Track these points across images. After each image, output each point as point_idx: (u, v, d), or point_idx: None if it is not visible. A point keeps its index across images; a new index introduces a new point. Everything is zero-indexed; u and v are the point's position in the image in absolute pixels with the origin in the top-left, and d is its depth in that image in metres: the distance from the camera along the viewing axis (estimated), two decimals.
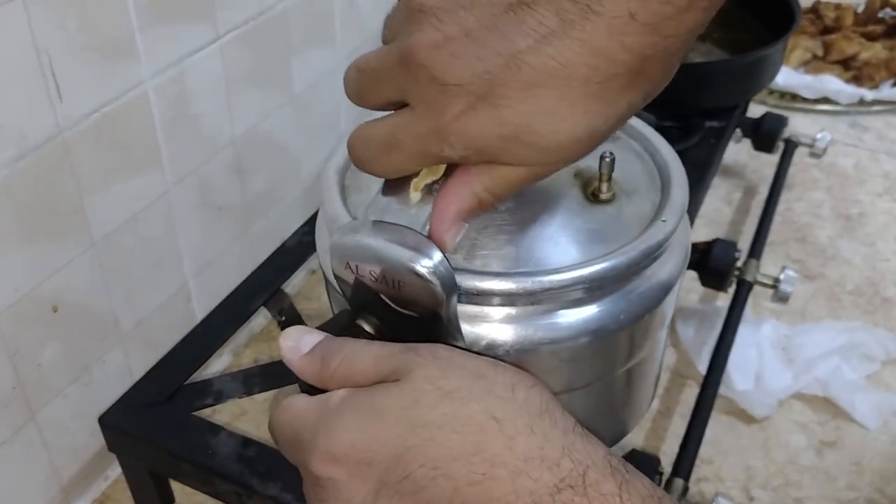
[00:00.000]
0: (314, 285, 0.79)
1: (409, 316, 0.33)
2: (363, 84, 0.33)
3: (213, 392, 0.54)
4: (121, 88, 0.53)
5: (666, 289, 0.37)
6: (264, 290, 0.63)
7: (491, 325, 0.34)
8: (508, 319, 0.34)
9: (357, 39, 0.78)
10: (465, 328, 0.34)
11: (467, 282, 0.33)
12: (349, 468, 0.30)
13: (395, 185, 0.34)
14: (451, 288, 0.31)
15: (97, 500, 0.61)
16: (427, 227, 0.32)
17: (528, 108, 0.29)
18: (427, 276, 0.31)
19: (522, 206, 0.37)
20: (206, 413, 0.54)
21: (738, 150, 0.95)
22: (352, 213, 0.38)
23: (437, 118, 0.30)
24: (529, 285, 0.33)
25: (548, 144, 0.30)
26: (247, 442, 0.50)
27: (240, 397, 0.55)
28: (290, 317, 0.62)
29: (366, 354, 0.32)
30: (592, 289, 0.34)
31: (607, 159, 0.36)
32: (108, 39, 0.52)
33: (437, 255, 0.31)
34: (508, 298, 0.34)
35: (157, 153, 0.58)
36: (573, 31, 0.29)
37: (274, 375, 0.56)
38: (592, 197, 0.38)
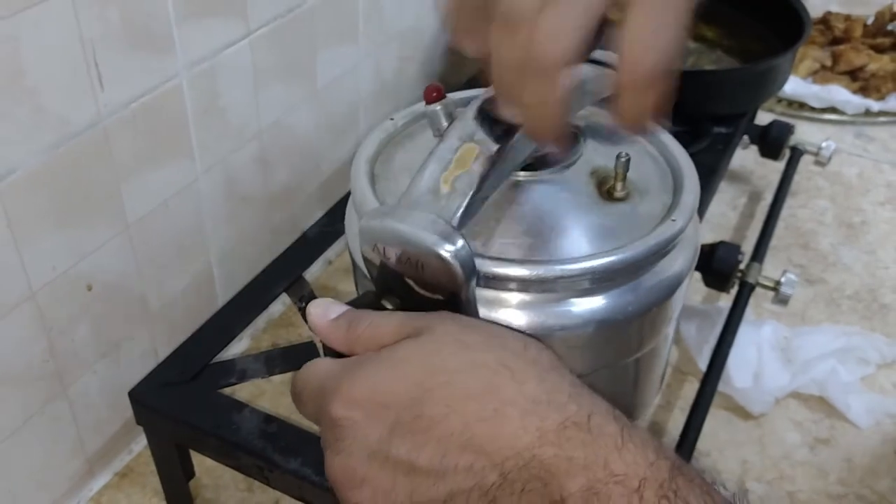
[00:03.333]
0: (331, 275, 0.82)
1: (431, 298, 0.35)
2: None
3: (237, 371, 0.57)
4: (157, 80, 0.56)
5: (674, 285, 0.40)
6: (285, 277, 0.65)
7: (507, 310, 0.37)
8: (523, 305, 0.37)
9: (379, 37, 0.80)
10: (482, 311, 0.36)
11: (486, 267, 0.36)
12: (367, 410, 0.32)
13: (432, 168, 0.36)
14: (471, 271, 0.34)
15: (120, 472, 0.64)
16: (456, 218, 0.35)
17: None
18: (449, 259, 0.33)
19: (540, 200, 0.39)
20: (227, 391, 0.57)
21: (744, 157, 0.97)
22: (380, 200, 0.41)
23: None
24: (544, 272, 0.36)
25: None
26: (269, 419, 0.53)
27: (262, 377, 0.57)
28: (309, 303, 0.65)
29: (390, 319, 0.35)
30: (603, 280, 0.37)
31: (623, 159, 0.39)
32: (147, 32, 0.54)
33: (459, 241, 0.34)
34: (523, 284, 0.36)
35: (188, 143, 0.61)
36: None
37: (294, 357, 0.59)
38: (607, 195, 0.40)
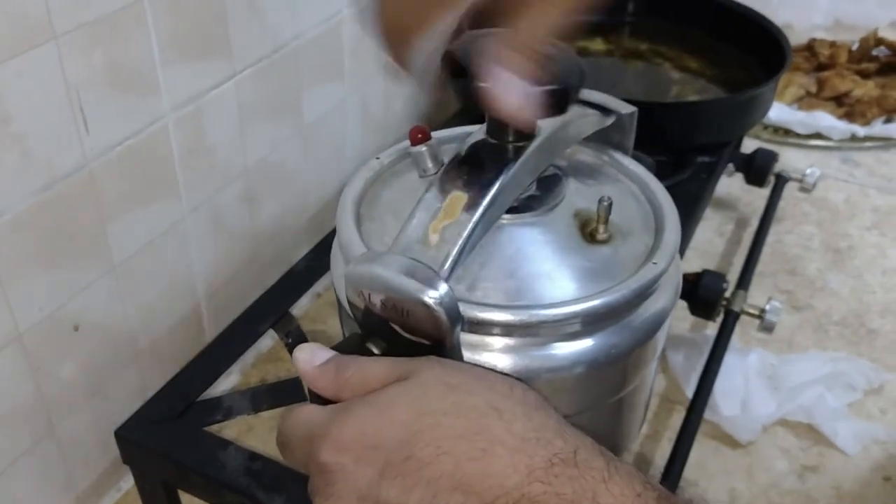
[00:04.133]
0: (320, 308, 0.83)
1: (416, 342, 0.36)
2: None
3: (223, 409, 0.57)
4: (143, 122, 0.57)
5: (657, 323, 0.40)
6: (272, 312, 0.66)
7: (491, 354, 0.38)
8: (507, 349, 0.38)
9: (364, 73, 0.81)
10: (467, 355, 0.37)
11: (470, 312, 0.36)
12: (356, 453, 0.32)
13: (420, 216, 0.38)
14: (456, 318, 0.35)
15: None
16: (446, 269, 0.36)
17: None
18: (433, 306, 0.34)
19: (523, 243, 0.40)
20: (214, 429, 0.57)
21: (730, 184, 0.98)
22: (365, 242, 0.41)
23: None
24: (528, 318, 0.37)
25: None
26: (254, 456, 0.53)
27: (248, 414, 0.58)
28: (296, 339, 0.65)
29: (377, 364, 0.35)
30: (586, 323, 0.37)
31: (605, 203, 0.40)
32: (132, 76, 0.55)
33: (444, 287, 0.34)
34: (508, 329, 0.37)
35: (174, 183, 0.62)
36: None
37: (281, 393, 0.59)
38: (590, 237, 0.40)
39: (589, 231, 0.41)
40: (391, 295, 0.35)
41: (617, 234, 0.41)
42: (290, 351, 0.67)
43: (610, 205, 0.40)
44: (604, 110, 0.45)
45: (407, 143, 0.45)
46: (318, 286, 0.76)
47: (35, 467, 0.58)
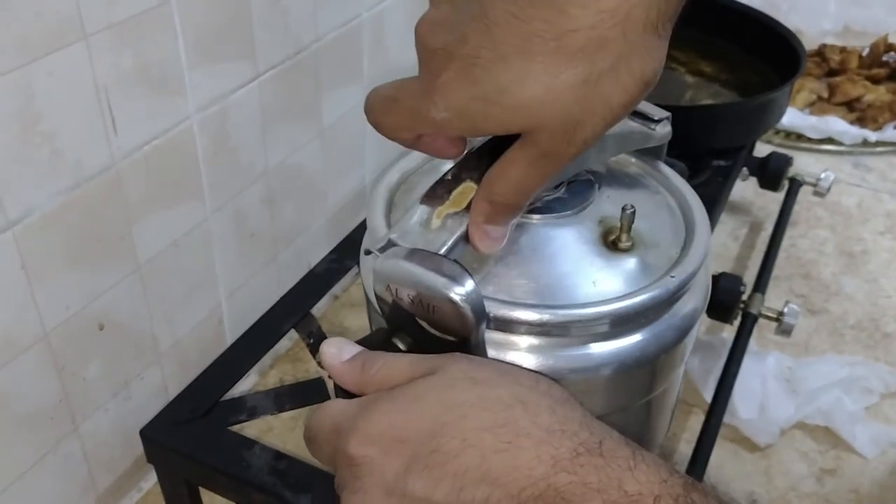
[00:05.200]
0: (338, 310, 0.83)
1: (442, 339, 0.36)
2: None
3: (247, 408, 0.57)
4: (169, 123, 0.57)
5: (685, 328, 0.40)
6: (294, 313, 0.66)
7: (516, 353, 0.38)
8: (532, 349, 0.38)
9: (382, 77, 0.82)
10: (492, 353, 0.37)
11: (497, 310, 0.37)
12: (384, 446, 0.32)
13: (430, 200, 0.38)
14: (481, 315, 0.35)
15: None
16: (444, 250, 0.36)
17: (497, 67, 0.33)
18: (459, 302, 0.34)
19: (547, 244, 0.40)
20: (235, 428, 0.57)
21: (744, 188, 0.98)
22: (390, 228, 0.41)
23: (425, 79, 0.34)
24: (557, 317, 0.37)
25: (510, 102, 0.33)
26: (279, 455, 0.54)
27: (272, 414, 0.58)
28: (318, 339, 0.66)
29: (403, 360, 0.35)
30: (615, 325, 0.37)
31: (628, 211, 0.39)
32: (160, 77, 0.56)
33: (470, 284, 0.34)
34: (535, 328, 0.37)
35: (198, 184, 0.62)
36: None
37: (304, 393, 0.59)
38: (612, 245, 0.40)
39: (612, 239, 0.41)
40: (418, 290, 0.35)
41: (640, 243, 0.41)
42: (312, 351, 0.67)
43: (633, 213, 0.39)
44: (639, 117, 0.45)
45: None
46: (337, 287, 0.77)
47: (58, 466, 0.58)
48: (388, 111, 0.37)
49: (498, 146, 0.37)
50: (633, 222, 0.40)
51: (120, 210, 0.56)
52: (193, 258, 0.64)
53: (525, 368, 0.34)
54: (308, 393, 0.60)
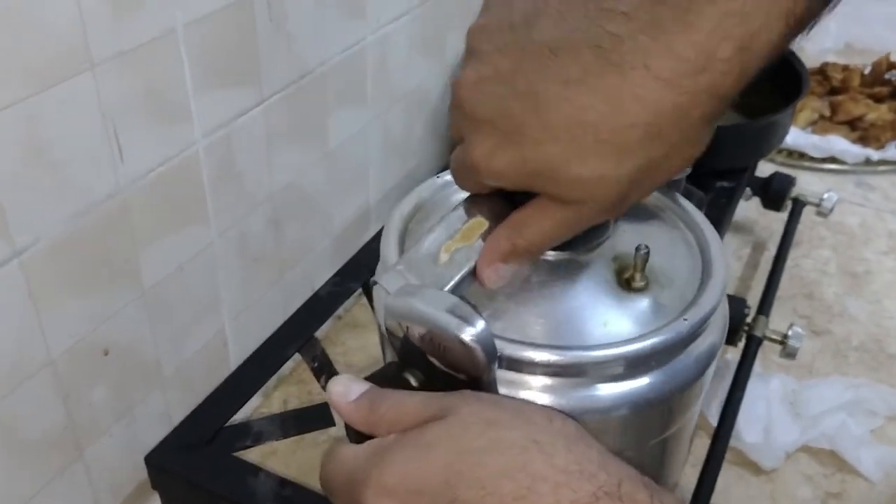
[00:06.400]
0: (339, 330, 0.83)
1: (453, 375, 0.36)
2: (452, 121, 0.38)
3: (252, 434, 0.57)
4: (175, 149, 0.58)
5: (702, 366, 0.40)
6: (298, 337, 0.66)
7: (528, 393, 0.37)
8: (545, 389, 0.37)
9: (386, 99, 0.82)
10: (503, 392, 0.37)
11: (509, 350, 0.36)
12: (400, 498, 0.32)
13: (439, 234, 0.39)
14: (492, 355, 0.35)
15: None
16: (451, 285, 0.36)
17: (547, 149, 0.32)
18: (470, 343, 0.34)
19: (559, 281, 0.40)
20: (240, 452, 0.57)
21: (747, 207, 0.98)
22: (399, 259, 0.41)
23: (471, 152, 0.34)
24: (571, 358, 0.37)
25: (561, 179, 0.33)
26: (284, 482, 0.54)
27: (277, 439, 0.58)
28: (322, 363, 0.66)
29: (413, 399, 0.35)
30: (630, 366, 0.37)
31: (642, 252, 0.39)
32: (166, 104, 0.56)
33: (481, 325, 0.34)
34: (548, 369, 0.37)
35: (203, 208, 0.62)
36: (591, 79, 0.31)
37: (309, 419, 0.59)
38: (626, 284, 0.40)
39: (626, 278, 0.40)
40: (429, 329, 0.35)
41: (655, 282, 0.40)
42: (316, 374, 0.67)
43: (647, 254, 0.39)
44: None
45: None
46: (339, 309, 0.77)
47: (63, 493, 0.57)
48: (458, 177, 0.39)
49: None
50: (647, 262, 0.39)
51: (126, 236, 0.56)
52: (198, 282, 0.64)
53: (537, 405, 0.34)
54: (314, 418, 0.60)
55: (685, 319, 0.38)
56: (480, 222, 0.38)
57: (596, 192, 0.33)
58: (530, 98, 0.32)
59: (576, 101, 0.32)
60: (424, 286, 0.36)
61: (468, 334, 0.34)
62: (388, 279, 0.37)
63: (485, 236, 0.38)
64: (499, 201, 0.39)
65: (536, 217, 0.36)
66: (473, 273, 0.37)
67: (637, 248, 0.39)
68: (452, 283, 0.36)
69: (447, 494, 0.31)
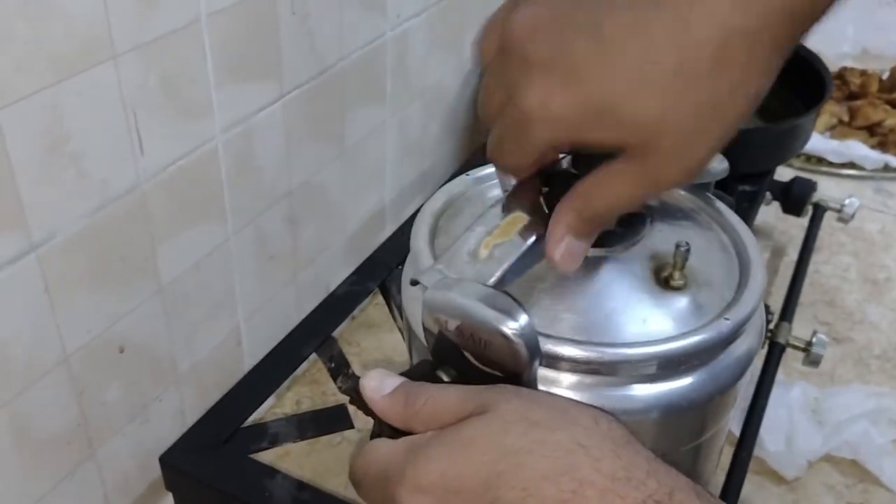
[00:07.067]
0: (354, 330, 0.82)
1: (489, 374, 0.35)
2: (482, 101, 0.36)
3: (269, 435, 0.56)
4: (195, 143, 0.56)
5: (739, 371, 0.39)
6: (314, 337, 0.65)
7: (561, 390, 0.36)
8: (579, 386, 0.36)
9: (404, 97, 0.81)
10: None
11: (549, 347, 0.35)
12: (437, 496, 0.30)
13: (478, 230, 0.37)
14: (535, 351, 0.34)
15: None
16: (493, 281, 0.35)
17: (611, 84, 0.31)
18: (513, 337, 0.33)
19: (596, 279, 0.39)
20: (255, 454, 0.56)
21: (766, 212, 0.97)
22: (435, 255, 0.40)
23: (524, 103, 0.32)
24: (601, 355, 0.36)
25: (623, 119, 0.31)
26: (301, 486, 0.53)
27: (294, 441, 0.57)
28: (339, 363, 0.64)
29: (450, 393, 0.33)
30: (662, 367, 0.36)
31: (682, 248, 0.38)
32: (187, 98, 0.55)
33: (524, 319, 0.33)
34: (580, 365, 0.36)
35: (221, 204, 0.61)
36: (659, 4, 0.30)
37: (325, 421, 0.58)
38: (664, 282, 0.39)
39: (664, 276, 0.39)
40: (469, 324, 0.34)
41: (693, 281, 0.39)
42: (332, 375, 0.66)
43: (687, 251, 0.38)
44: None
45: None
46: (354, 308, 0.76)
47: (75, 492, 0.56)
48: (500, 151, 0.36)
49: (552, 177, 0.36)
50: (686, 260, 0.38)
51: (144, 231, 0.55)
52: (214, 280, 0.63)
53: (582, 404, 0.33)
54: (331, 420, 0.59)
55: (727, 319, 0.37)
56: (520, 217, 0.37)
57: (660, 132, 0.31)
58: (594, 32, 0.30)
59: (642, 29, 0.30)
60: (464, 280, 0.35)
61: (511, 328, 0.32)
62: (428, 276, 0.36)
63: (523, 231, 0.37)
64: (538, 197, 0.37)
65: (602, 181, 0.34)
66: (514, 268, 0.36)
67: (677, 245, 0.38)
68: (494, 278, 0.35)
69: (486, 495, 0.30)
